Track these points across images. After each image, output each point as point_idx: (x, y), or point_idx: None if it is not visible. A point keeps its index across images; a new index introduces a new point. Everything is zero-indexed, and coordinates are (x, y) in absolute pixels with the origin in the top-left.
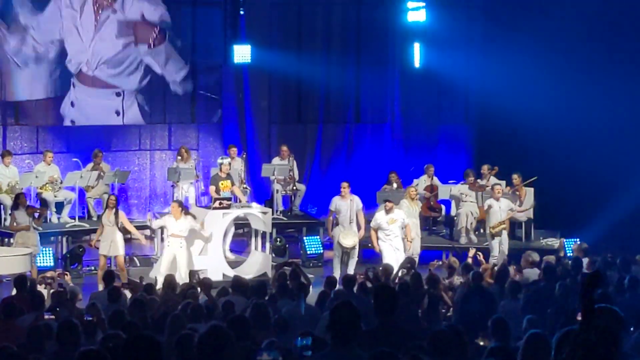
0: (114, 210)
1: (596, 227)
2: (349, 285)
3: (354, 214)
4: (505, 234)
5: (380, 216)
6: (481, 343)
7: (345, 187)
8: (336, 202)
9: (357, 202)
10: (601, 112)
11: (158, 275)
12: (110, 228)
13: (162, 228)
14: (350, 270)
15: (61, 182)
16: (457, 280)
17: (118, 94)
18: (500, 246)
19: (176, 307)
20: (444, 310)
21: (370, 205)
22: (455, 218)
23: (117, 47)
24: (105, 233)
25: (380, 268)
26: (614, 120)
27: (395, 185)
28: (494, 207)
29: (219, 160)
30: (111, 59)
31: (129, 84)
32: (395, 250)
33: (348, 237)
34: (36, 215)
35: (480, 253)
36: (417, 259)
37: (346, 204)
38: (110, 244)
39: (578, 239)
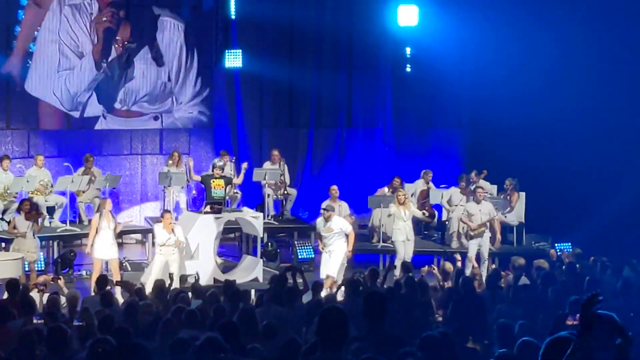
0: (109, 213)
1: (587, 231)
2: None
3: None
4: (486, 236)
5: (319, 223)
6: (471, 346)
7: (335, 189)
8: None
9: (345, 207)
10: (592, 117)
11: (148, 281)
12: (105, 231)
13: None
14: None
15: (52, 186)
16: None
17: (156, 118)
18: (481, 250)
19: (167, 312)
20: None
21: (361, 210)
22: (446, 223)
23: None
24: (101, 236)
25: (366, 272)
26: (605, 125)
27: (387, 190)
28: (473, 210)
29: (214, 161)
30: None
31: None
32: (329, 254)
33: None
34: (40, 220)
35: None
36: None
37: (335, 208)
38: (106, 247)
39: (570, 243)
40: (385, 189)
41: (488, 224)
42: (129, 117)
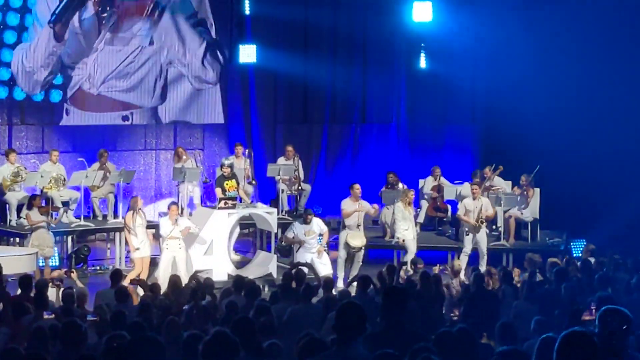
0: (140, 211)
1: (602, 228)
2: (364, 286)
3: (362, 218)
4: (483, 232)
5: (298, 227)
6: (485, 342)
7: (358, 188)
8: (348, 205)
9: (365, 206)
10: (608, 112)
11: (158, 277)
12: (139, 230)
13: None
14: (355, 272)
15: (64, 180)
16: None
17: (125, 118)
18: (478, 246)
19: (181, 308)
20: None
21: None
22: None
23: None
24: (140, 235)
25: (384, 269)
26: (621, 121)
27: (400, 185)
28: (470, 206)
29: (222, 161)
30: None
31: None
32: (316, 255)
33: (356, 238)
34: (55, 214)
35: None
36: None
37: (355, 206)
38: (146, 245)
39: (584, 240)
40: (400, 185)
41: (484, 220)
42: (94, 110)
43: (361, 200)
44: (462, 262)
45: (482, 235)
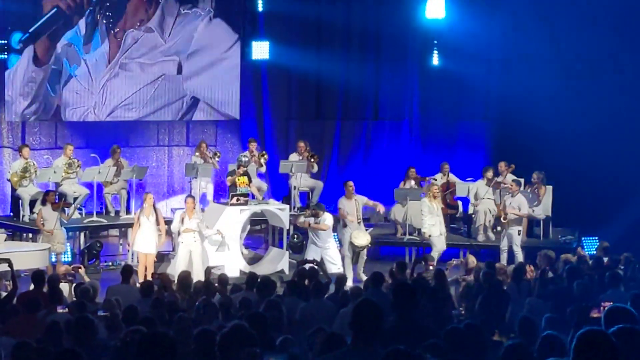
0: (152, 207)
1: (614, 225)
2: (377, 283)
3: (361, 213)
4: (514, 230)
5: (309, 220)
6: (497, 339)
7: (351, 185)
8: (343, 203)
9: (361, 201)
10: (622, 110)
11: (175, 273)
12: (145, 226)
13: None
14: (361, 268)
15: (79, 162)
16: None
17: None
18: (513, 245)
19: (192, 304)
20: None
21: (387, 202)
22: (473, 215)
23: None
24: (141, 231)
25: (395, 265)
26: (634, 119)
27: (413, 182)
28: (506, 203)
29: (240, 158)
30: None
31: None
32: (325, 250)
33: (360, 237)
34: (66, 211)
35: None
36: (437, 256)
37: (352, 204)
38: (148, 241)
39: (596, 237)
40: (412, 182)
41: (523, 219)
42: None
43: (357, 195)
44: (502, 259)
45: (512, 234)
